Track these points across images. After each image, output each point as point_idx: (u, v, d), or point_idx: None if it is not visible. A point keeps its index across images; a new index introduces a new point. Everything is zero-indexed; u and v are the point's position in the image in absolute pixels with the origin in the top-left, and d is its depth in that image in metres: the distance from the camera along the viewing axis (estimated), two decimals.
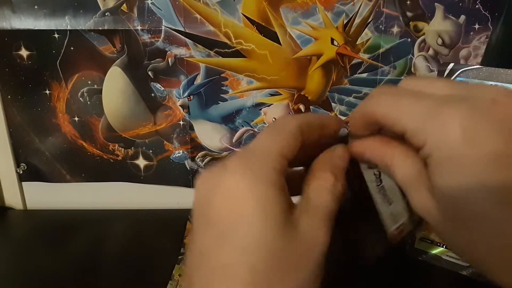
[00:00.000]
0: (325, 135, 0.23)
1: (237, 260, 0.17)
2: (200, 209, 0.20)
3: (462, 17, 0.55)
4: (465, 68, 0.48)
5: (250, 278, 0.17)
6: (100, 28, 0.55)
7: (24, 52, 0.57)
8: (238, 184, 0.18)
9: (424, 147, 0.19)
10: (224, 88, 0.59)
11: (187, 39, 0.56)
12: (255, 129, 0.61)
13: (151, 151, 0.62)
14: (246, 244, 0.17)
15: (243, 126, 0.61)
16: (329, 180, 0.21)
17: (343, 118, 0.60)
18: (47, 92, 0.59)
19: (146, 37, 0.56)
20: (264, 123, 0.60)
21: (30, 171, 0.63)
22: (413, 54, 0.57)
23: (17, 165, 0.63)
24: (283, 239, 0.18)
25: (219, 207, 0.18)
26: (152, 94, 0.59)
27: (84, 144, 0.62)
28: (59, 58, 0.57)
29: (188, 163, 0.63)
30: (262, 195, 0.18)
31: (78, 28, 0.55)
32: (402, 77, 0.58)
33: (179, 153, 0.62)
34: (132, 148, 0.62)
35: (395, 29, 0.56)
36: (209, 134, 0.61)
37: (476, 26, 0.56)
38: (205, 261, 0.18)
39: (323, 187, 0.21)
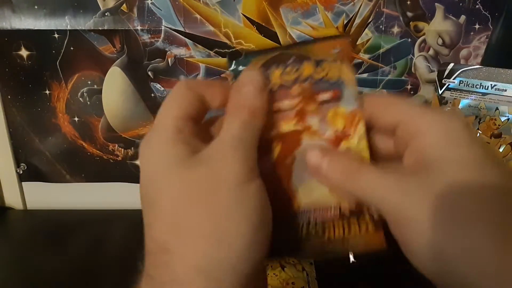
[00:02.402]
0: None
1: (151, 216, 0.20)
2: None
3: (463, 17, 0.55)
4: (465, 68, 0.48)
5: (163, 227, 0.19)
6: (100, 28, 0.55)
7: (24, 52, 0.57)
8: (144, 155, 0.20)
9: (419, 133, 0.19)
10: None
11: (187, 39, 0.56)
12: None
13: None
14: (153, 199, 0.19)
15: None
16: (232, 112, 0.21)
17: None
18: (47, 92, 0.59)
19: (146, 37, 0.56)
20: None
21: (30, 171, 0.63)
22: (413, 54, 0.57)
23: (17, 165, 0.63)
24: (187, 178, 0.19)
25: (141, 182, 0.20)
26: (152, 94, 0.59)
27: (84, 144, 0.62)
28: (59, 58, 0.57)
29: None
30: (157, 153, 0.20)
31: (78, 28, 0.55)
32: (403, 77, 0.58)
33: None
34: (132, 148, 0.62)
35: (395, 29, 0.56)
36: None
37: (477, 26, 0.56)
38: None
39: (229, 118, 0.21)
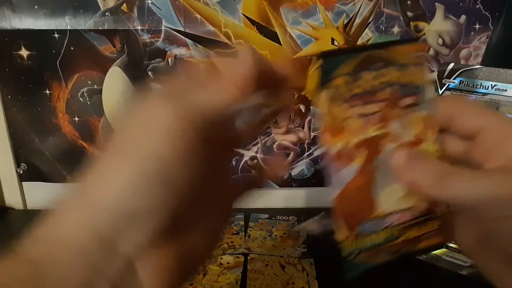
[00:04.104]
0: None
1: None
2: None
3: (463, 17, 0.55)
4: (465, 68, 0.48)
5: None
6: (100, 28, 0.55)
7: (24, 52, 0.57)
8: (146, 117, 0.19)
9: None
10: None
11: (187, 39, 0.56)
12: None
13: None
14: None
15: None
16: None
17: None
18: (47, 92, 0.59)
19: (146, 37, 0.56)
20: None
21: (30, 171, 0.63)
22: None
23: (17, 165, 0.63)
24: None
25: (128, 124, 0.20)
26: None
27: (84, 144, 0.62)
28: (59, 58, 0.57)
29: None
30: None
31: (78, 28, 0.55)
32: None
33: None
34: None
35: (396, 29, 0.56)
36: None
37: (477, 26, 0.56)
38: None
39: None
